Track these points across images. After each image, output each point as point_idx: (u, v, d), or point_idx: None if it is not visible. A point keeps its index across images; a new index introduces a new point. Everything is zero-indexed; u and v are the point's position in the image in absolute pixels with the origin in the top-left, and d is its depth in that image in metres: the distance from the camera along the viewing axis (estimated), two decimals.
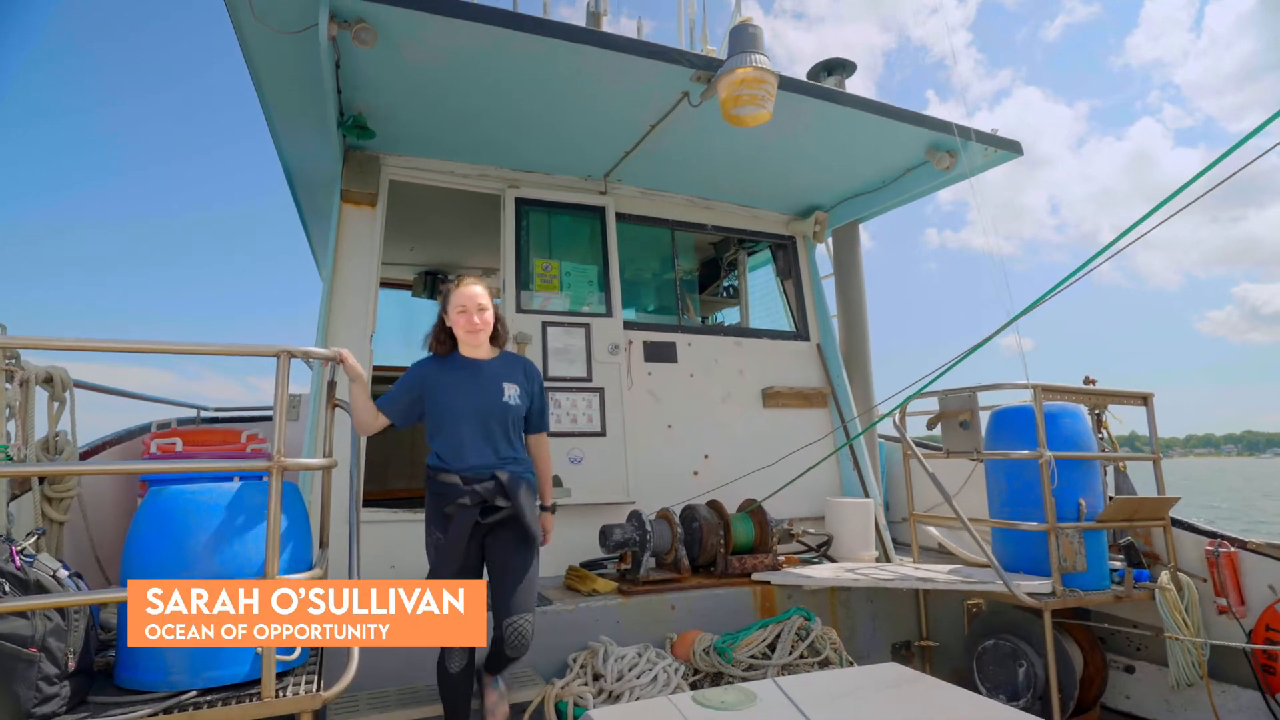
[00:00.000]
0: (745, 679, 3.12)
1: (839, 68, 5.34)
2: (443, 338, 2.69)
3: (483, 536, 2.60)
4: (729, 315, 6.07)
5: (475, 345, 2.66)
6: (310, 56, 3.13)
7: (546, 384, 4.14)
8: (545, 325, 4.27)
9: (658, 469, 4.40)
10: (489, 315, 2.64)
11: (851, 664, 3.32)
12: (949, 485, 4.35)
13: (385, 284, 5.53)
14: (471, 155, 4.32)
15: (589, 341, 4.34)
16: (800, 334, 5.16)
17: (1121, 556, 3.90)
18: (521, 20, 3.09)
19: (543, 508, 2.82)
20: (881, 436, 5.16)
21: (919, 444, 4.48)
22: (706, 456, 4.55)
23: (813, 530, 4.35)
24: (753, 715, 2.22)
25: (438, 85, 3.55)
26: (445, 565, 2.51)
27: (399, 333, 6.95)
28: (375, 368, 4.08)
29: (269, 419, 4.84)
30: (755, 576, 3.77)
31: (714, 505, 3.94)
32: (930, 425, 4.14)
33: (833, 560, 4.36)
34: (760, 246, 5.48)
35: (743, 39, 3.18)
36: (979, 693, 3.47)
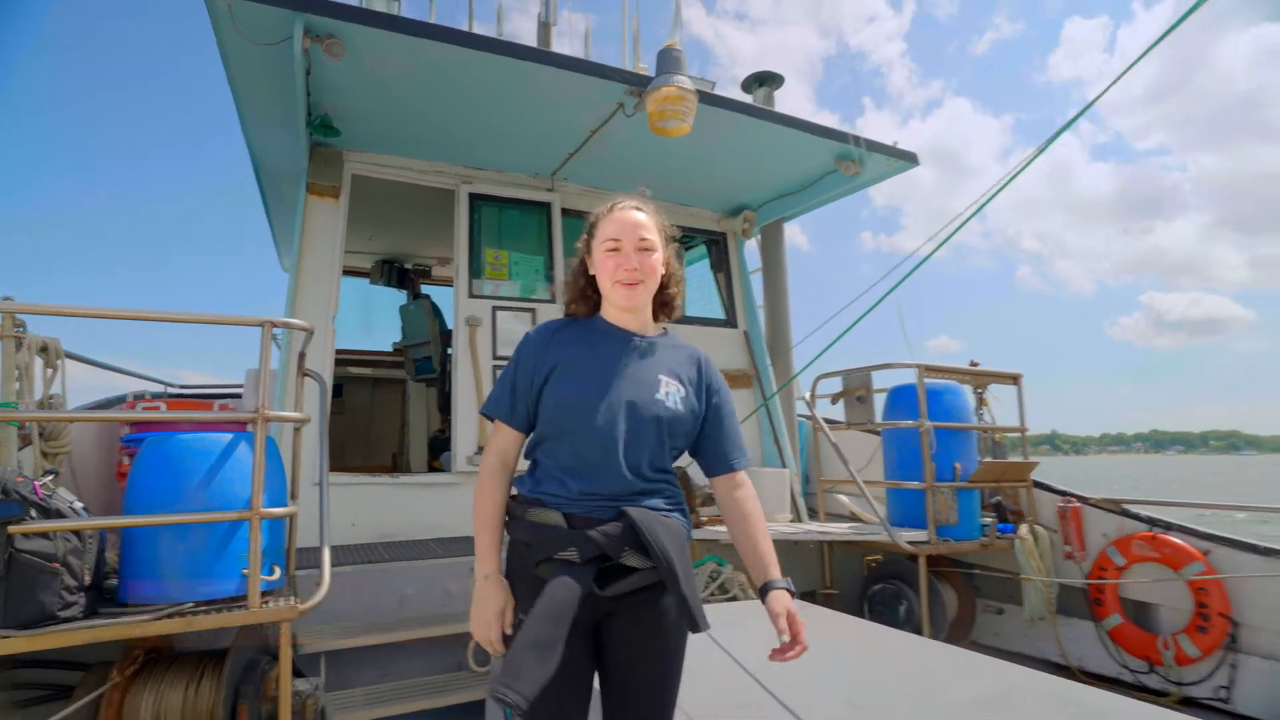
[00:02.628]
0: None
1: (769, 80, 5.90)
2: (583, 290, 1.73)
3: (598, 621, 1.57)
4: None
5: (630, 306, 1.65)
6: (283, 64, 3.51)
7: (497, 363, 4.61)
8: (495, 310, 4.71)
9: None
10: (656, 262, 1.65)
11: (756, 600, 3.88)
12: (864, 457, 4.98)
13: (345, 271, 5.89)
14: (428, 153, 4.72)
15: (534, 325, 4.80)
16: (730, 322, 5.71)
17: (993, 513, 4.55)
18: (475, 40, 3.53)
19: (766, 589, 1.58)
20: (800, 416, 5.74)
21: (836, 421, 5.07)
22: None
23: None
24: None
25: (399, 91, 3.95)
26: (530, 668, 1.38)
27: (358, 318, 7.30)
28: (336, 351, 4.44)
29: (237, 395, 5.18)
30: None
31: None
32: (834, 401, 4.73)
33: None
34: (695, 241, 6.00)
35: (667, 61, 3.68)
36: None
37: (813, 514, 5.20)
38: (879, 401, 4.70)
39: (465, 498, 4.29)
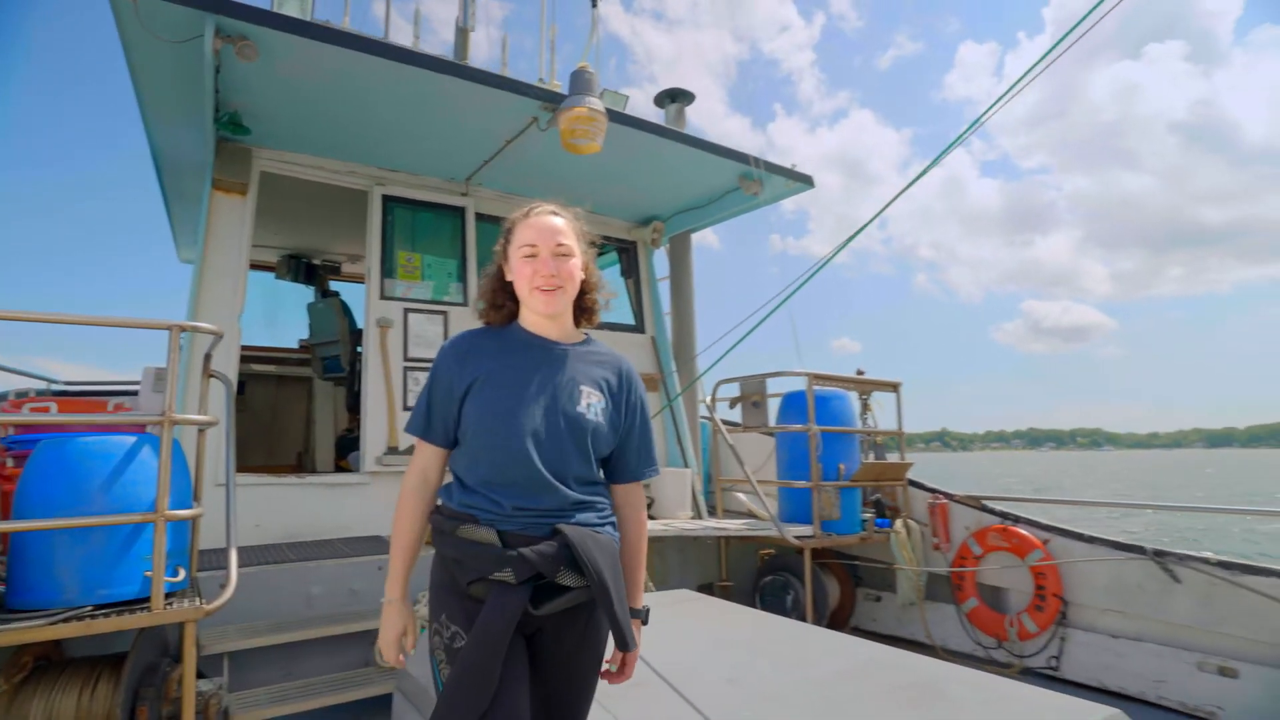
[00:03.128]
0: None
1: (680, 96, 6.18)
2: (498, 298, 1.70)
3: (529, 638, 1.55)
4: None
5: (549, 313, 1.63)
6: (191, 61, 3.47)
7: (408, 364, 4.67)
8: (407, 312, 4.76)
9: None
10: (574, 267, 1.64)
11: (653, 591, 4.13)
12: (760, 458, 5.33)
13: (249, 266, 5.76)
14: (341, 153, 4.71)
15: (446, 328, 4.87)
16: (639, 327, 5.95)
17: (872, 509, 4.98)
18: (389, 50, 3.59)
19: (632, 611, 1.67)
20: (703, 418, 6.05)
21: (734, 424, 5.40)
22: None
23: None
24: None
25: (312, 93, 3.95)
26: (468, 691, 1.40)
27: (261, 314, 7.10)
28: (241, 348, 4.38)
29: (130, 393, 5.00)
30: None
31: None
32: (731, 405, 5.05)
33: (653, 519, 5.18)
34: (607, 249, 6.20)
35: (580, 82, 3.86)
36: None
37: (712, 511, 5.52)
38: (774, 406, 5.06)
39: (374, 497, 4.37)
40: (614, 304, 6.32)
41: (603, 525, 1.60)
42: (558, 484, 1.54)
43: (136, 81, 3.74)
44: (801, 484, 4.53)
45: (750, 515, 5.44)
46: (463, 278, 5.08)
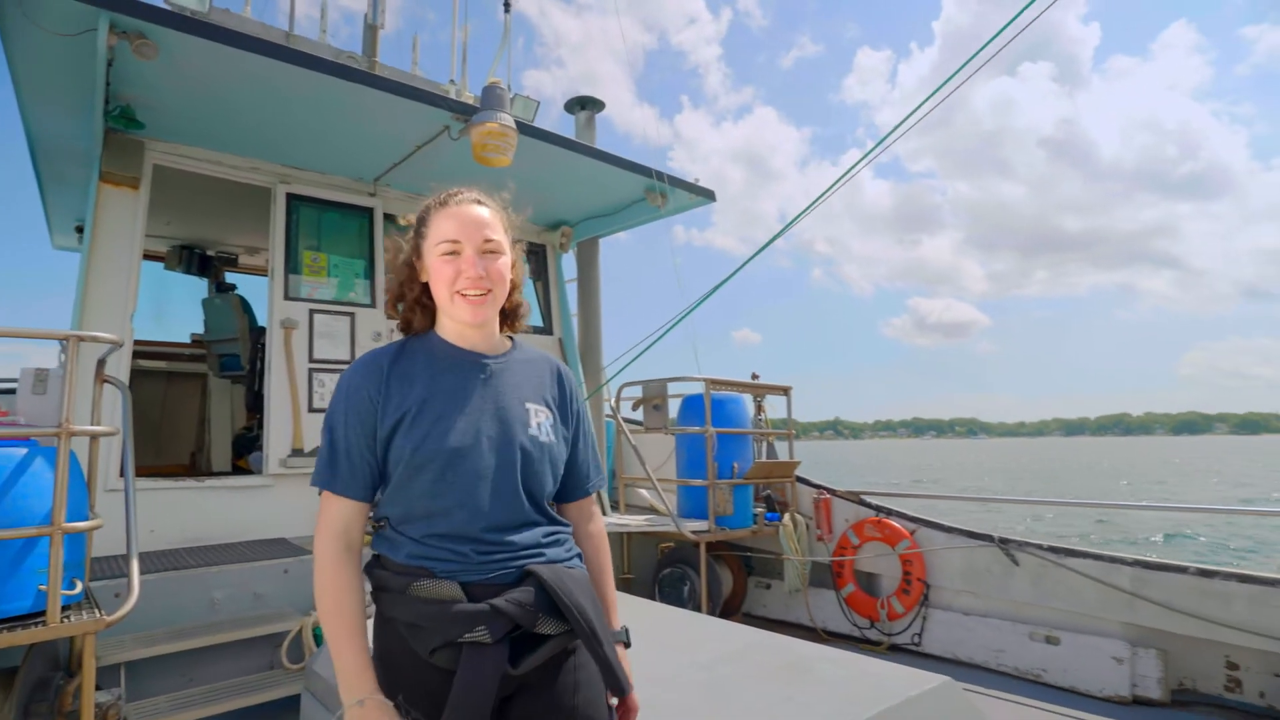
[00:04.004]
0: None
1: (590, 104, 6.35)
2: (416, 301, 1.47)
3: (505, 697, 1.33)
4: None
5: (477, 322, 1.41)
6: (80, 53, 3.34)
7: (314, 366, 4.65)
8: (312, 312, 4.72)
9: None
10: (504, 267, 1.42)
11: None
12: (661, 457, 5.61)
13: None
14: (244, 149, 4.59)
15: (353, 328, 4.87)
16: (547, 329, 6.11)
17: (763, 504, 5.37)
18: (295, 55, 3.57)
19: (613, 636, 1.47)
20: (608, 417, 6.29)
21: (637, 424, 5.66)
22: None
23: None
24: None
25: (212, 89, 3.86)
26: None
27: (150, 306, 6.77)
28: (134, 343, 4.24)
29: (7, 391, 4.72)
30: None
31: None
32: (634, 407, 5.32)
33: None
34: None
35: (491, 97, 3.97)
36: None
37: (615, 507, 5.77)
38: (675, 407, 5.36)
39: (278, 500, 4.36)
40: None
41: (571, 558, 1.42)
42: (523, 521, 1.35)
43: (14, 68, 3.56)
44: (699, 482, 4.85)
45: (651, 511, 5.73)
46: (370, 278, 5.08)
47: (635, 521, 5.06)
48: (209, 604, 3.45)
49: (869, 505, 5.12)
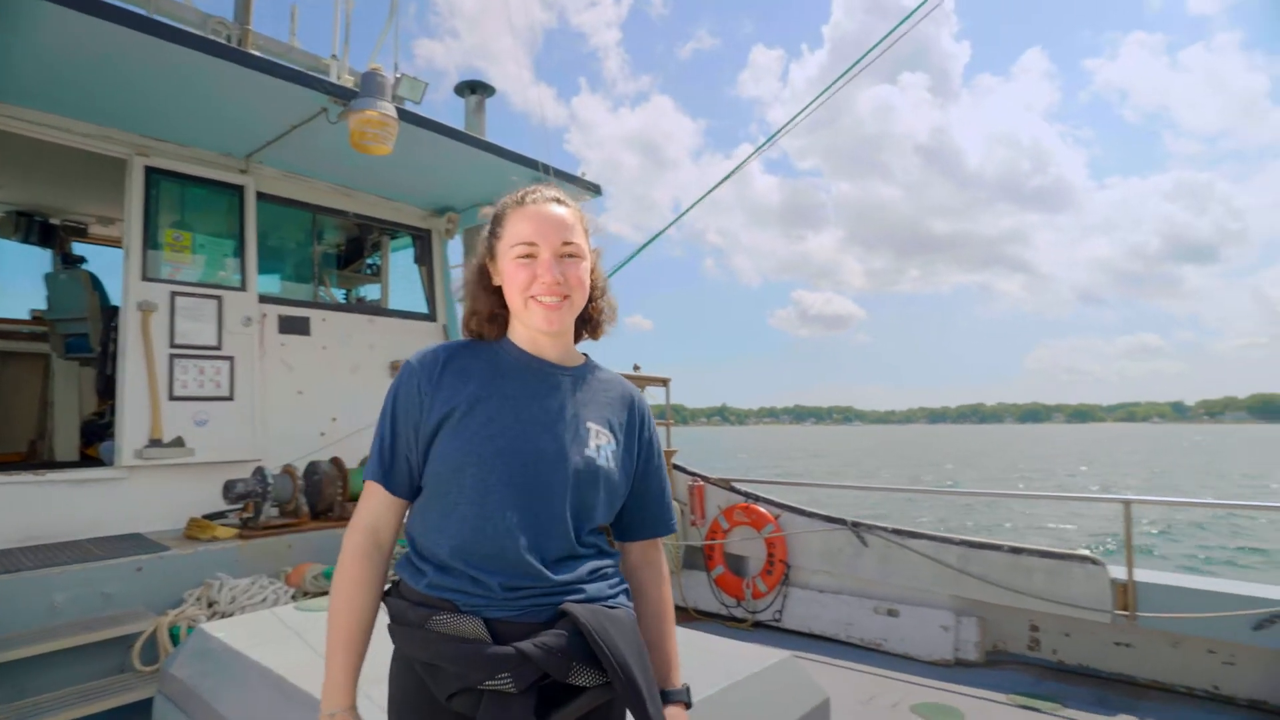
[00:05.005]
0: None
1: (481, 88, 6.29)
2: (487, 303, 1.36)
3: None
4: (372, 291, 6.66)
5: (553, 330, 1.30)
6: None
7: (175, 352, 4.40)
8: (174, 295, 4.46)
9: (287, 430, 4.92)
10: (584, 272, 1.31)
11: None
12: None
13: None
14: (94, 117, 4.24)
15: (220, 313, 4.64)
16: (431, 315, 6.04)
17: None
18: (159, 28, 3.36)
19: (666, 696, 1.31)
20: None
21: None
22: (334, 419, 5.19)
23: None
24: None
25: (59, 55, 3.55)
26: None
27: None
28: None
29: None
30: None
31: (335, 461, 4.64)
32: None
33: None
34: (400, 235, 6.18)
35: (372, 84, 3.89)
36: None
37: None
38: None
39: (132, 494, 4.16)
40: (412, 289, 6.33)
41: (615, 595, 1.27)
42: (565, 553, 1.22)
43: None
44: None
45: None
46: (241, 257, 4.84)
47: None
48: (49, 608, 3.25)
49: (739, 492, 5.45)
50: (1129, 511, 3.97)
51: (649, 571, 1.42)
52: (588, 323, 1.41)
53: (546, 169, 5.14)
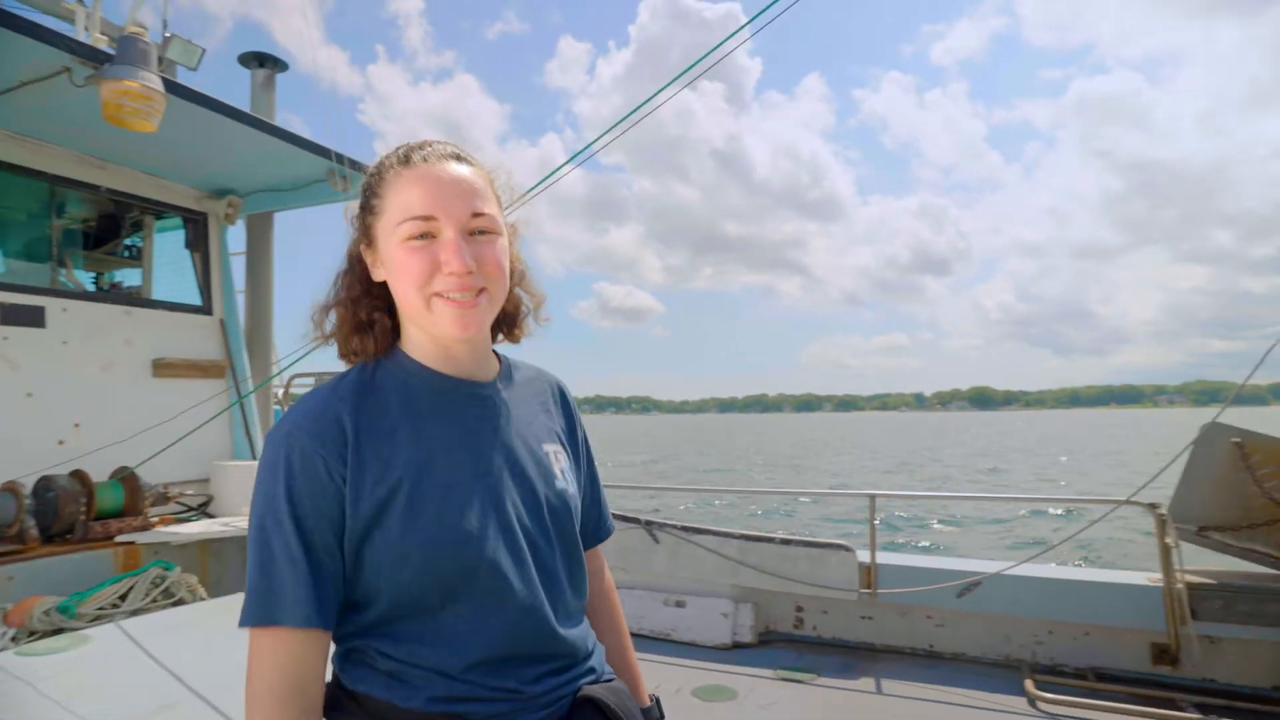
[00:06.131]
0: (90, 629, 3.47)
1: (270, 62, 5.77)
2: (365, 309, 1.00)
3: None
4: (131, 276, 5.85)
5: (465, 335, 0.94)
6: None
7: None
8: None
9: (12, 440, 4.20)
10: (501, 253, 0.96)
11: (205, 601, 3.98)
12: None
13: None
14: None
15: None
16: (205, 308, 5.44)
17: None
18: None
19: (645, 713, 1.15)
20: (276, 404, 5.84)
21: None
22: (77, 425, 4.51)
23: (192, 492, 4.80)
24: (81, 654, 2.71)
25: None
26: None
27: None
28: None
29: None
30: (120, 539, 4.06)
31: (77, 474, 4.04)
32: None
33: (213, 517, 4.89)
34: (169, 217, 5.50)
35: (131, 50, 3.42)
36: None
37: None
38: None
39: None
40: (182, 276, 5.64)
41: (595, 644, 1.09)
42: (571, 611, 1.01)
43: None
44: None
45: None
46: None
47: None
48: None
49: None
50: (874, 503, 4.63)
51: (599, 582, 1.21)
52: (503, 320, 1.09)
53: (341, 159, 4.85)
